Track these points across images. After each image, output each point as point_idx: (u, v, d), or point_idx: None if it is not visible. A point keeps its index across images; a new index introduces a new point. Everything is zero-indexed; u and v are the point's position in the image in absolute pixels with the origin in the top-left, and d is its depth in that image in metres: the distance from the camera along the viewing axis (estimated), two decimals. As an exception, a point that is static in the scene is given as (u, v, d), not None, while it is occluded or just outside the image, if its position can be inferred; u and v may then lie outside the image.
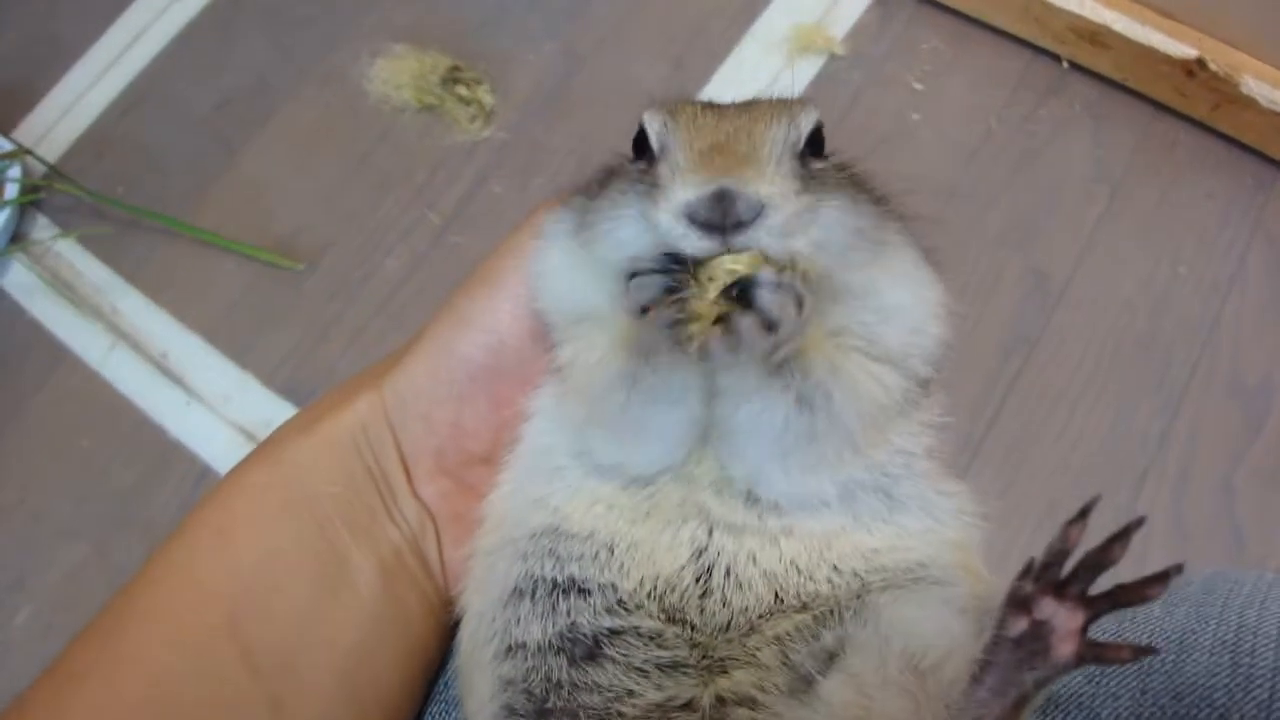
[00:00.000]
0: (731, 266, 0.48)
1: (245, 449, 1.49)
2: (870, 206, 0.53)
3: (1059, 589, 0.44)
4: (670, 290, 0.47)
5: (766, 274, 0.47)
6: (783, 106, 0.53)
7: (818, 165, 0.52)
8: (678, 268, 0.48)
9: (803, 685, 0.50)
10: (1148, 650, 0.42)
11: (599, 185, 0.56)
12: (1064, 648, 0.44)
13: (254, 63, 1.79)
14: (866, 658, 0.49)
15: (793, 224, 0.48)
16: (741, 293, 0.47)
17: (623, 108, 0.55)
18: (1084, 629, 0.44)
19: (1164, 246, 1.49)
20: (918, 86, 1.63)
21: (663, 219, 0.48)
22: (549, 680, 0.53)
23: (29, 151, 1.68)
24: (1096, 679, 0.51)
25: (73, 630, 0.56)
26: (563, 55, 1.73)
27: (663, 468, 0.55)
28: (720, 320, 0.47)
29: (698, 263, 0.48)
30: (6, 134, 1.71)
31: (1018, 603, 0.45)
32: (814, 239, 0.49)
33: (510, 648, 0.55)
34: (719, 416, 0.53)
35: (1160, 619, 0.52)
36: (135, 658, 0.53)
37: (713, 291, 0.47)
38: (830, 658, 0.50)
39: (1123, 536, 0.44)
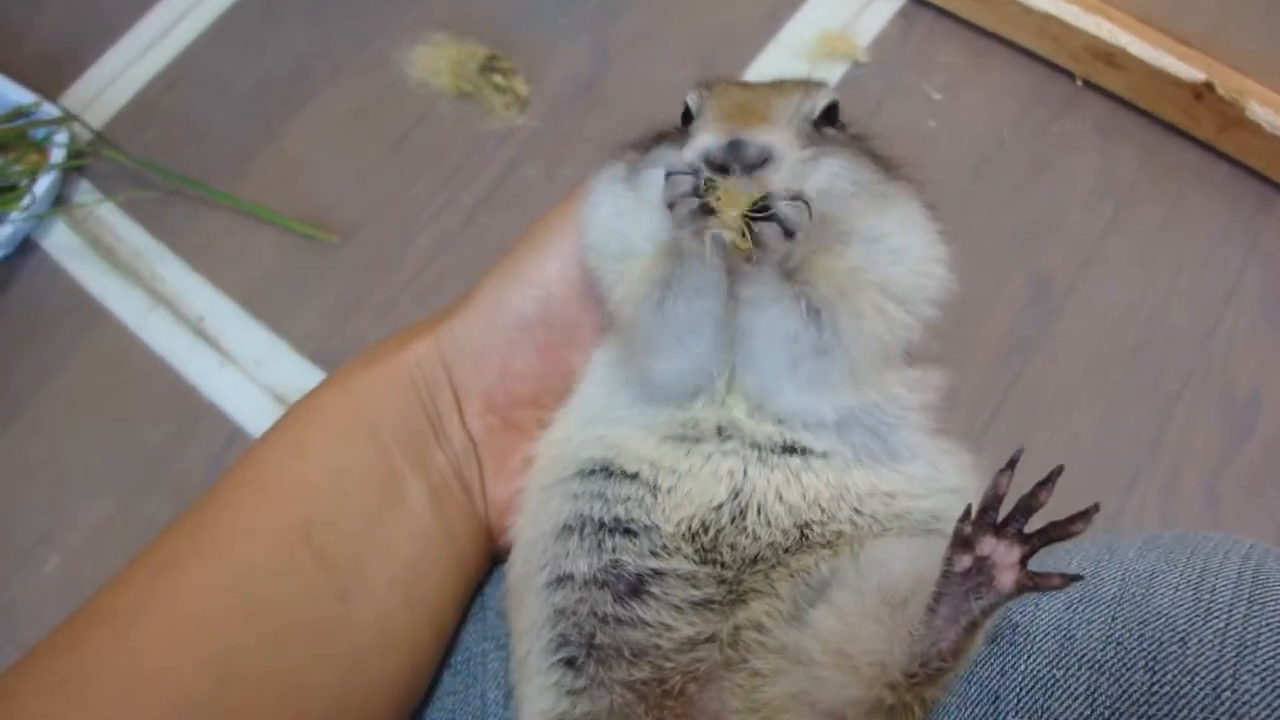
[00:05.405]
0: (746, 190, 0.54)
1: (276, 411, 1.54)
2: (874, 164, 0.60)
3: (998, 529, 0.50)
4: (695, 191, 0.53)
5: (780, 191, 0.54)
6: (803, 83, 0.60)
7: (830, 132, 0.59)
8: (705, 177, 0.54)
9: (798, 613, 0.56)
10: (1076, 577, 0.48)
11: (649, 144, 0.63)
12: (1006, 578, 0.49)
13: (296, 45, 1.82)
14: (848, 591, 0.55)
15: (796, 170, 0.55)
16: (758, 212, 0.53)
17: (650, 104, 0.62)
18: (1023, 561, 0.49)
19: (1164, 261, 1.53)
20: (936, 96, 1.67)
21: (687, 159, 0.54)
22: (595, 614, 0.59)
23: (75, 118, 1.70)
24: (1074, 606, 0.57)
25: (97, 582, 0.59)
26: (595, 51, 1.76)
27: (698, 370, 0.60)
28: (745, 232, 0.53)
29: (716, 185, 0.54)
30: (54, 100, 1.72)
31: (961, 542, 0.50)
32: (816, 184, 0.55)
33: (560, 578, 0.61)
34: (740, 325, 0.58)
35: (1133, 561, 0.57)
36: (222, 550, 0.58)
37: (731, 207, 0.53)
38: (822, 589, 0.56)
39: (1048, 482, 0.50)
